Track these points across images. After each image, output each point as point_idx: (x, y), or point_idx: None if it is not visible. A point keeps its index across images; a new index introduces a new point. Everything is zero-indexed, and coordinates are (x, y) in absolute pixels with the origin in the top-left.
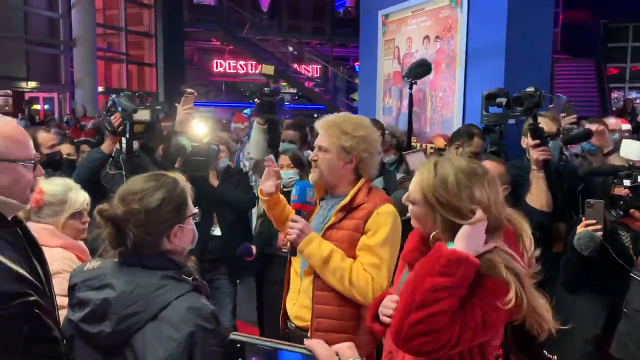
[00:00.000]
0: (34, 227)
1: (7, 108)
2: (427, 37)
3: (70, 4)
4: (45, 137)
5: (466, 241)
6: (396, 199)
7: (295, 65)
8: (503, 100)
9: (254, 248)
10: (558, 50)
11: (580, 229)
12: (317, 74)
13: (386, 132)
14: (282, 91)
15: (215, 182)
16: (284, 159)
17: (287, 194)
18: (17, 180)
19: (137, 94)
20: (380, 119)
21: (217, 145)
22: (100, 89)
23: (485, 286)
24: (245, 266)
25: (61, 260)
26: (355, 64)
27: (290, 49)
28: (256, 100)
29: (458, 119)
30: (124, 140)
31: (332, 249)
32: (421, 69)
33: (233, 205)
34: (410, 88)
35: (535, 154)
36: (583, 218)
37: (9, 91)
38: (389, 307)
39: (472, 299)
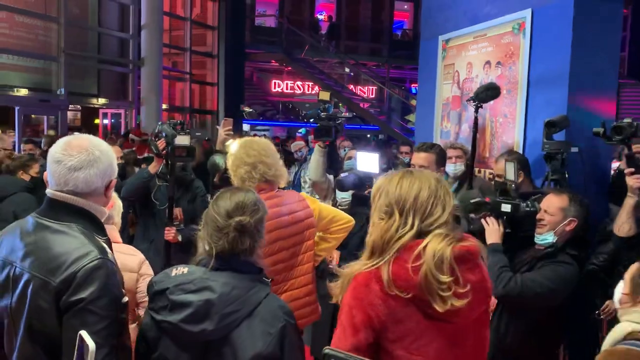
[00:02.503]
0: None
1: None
2: (488, 62)
3: (140, 26)
4: (115, 150)
5: None
6: (462, 200)
7: (351, 87)
8: (600, 130)
9: None
10: (625, 75)
11: None
12: (372, 95)
13: (459, 149)
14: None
15: None
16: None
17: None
18: (112, 191)
19: (179, 122)
20: (437, 142)
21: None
22: (164, 106)
23: None
24: None
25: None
26: (412, 85)
27: (347, 70)
28: (312, 121)
29: (519, 145)
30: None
31: None
32: (490, 92)
33: None
34: (476, 112)
35: (630, 181)
36: None
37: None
38: None
39: None
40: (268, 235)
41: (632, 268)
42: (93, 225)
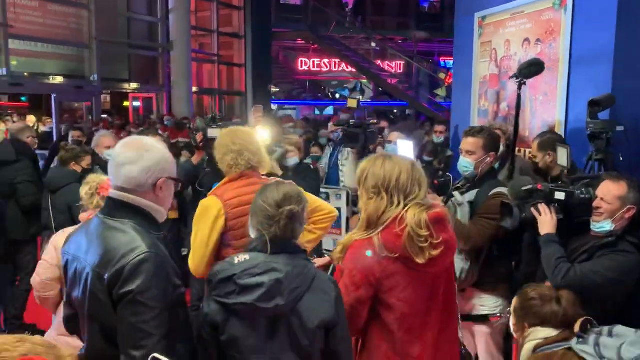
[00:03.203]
0: None
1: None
2: (527, 39)
3: (168, 9)
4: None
5: None
6: (513, 187)
7: (379, 62)
8: None
9: None
10: None
11: None
12: (400, 70)
13: (497, 129)
14: (368, 122)
15: (279, 173)
16: None
17: None
18: (170, 193)
19: (212, 116)
20: (475, 121)
21: (280, 145)
22: (194, 89)
23: None
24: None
25: None
26: (440, 58)
27: (373, 45)
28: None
29: (560, 124)
30: None
31: None
32: (534, 68)
33: None
34: (519, 88)
35: None
36: None
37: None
38: None
39: None
40: (243, 218)
41: (514, 302)
42: (147, 221)
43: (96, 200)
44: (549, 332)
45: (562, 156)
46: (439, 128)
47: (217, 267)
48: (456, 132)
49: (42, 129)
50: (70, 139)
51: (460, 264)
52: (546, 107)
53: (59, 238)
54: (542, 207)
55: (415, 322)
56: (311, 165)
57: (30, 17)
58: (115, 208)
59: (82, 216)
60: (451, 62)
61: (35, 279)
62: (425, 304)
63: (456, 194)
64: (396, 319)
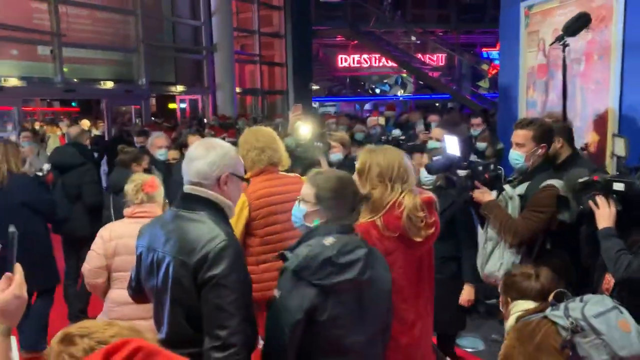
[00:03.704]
0: None
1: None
2: None
3: (211, 12)
4: (193, 139)
5: None
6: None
7: (419, 55)
8: None
9: None
10: None
11: None
12: (442, 62)
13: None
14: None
15: (324, 167)
16: (423, 158)
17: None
18: (237, 189)
19: (253, 117)
20: (523, 112)
21: (321, 142)
22: (237, 89)
23: None
24: None
25: None
26: (483, 50)
27: (413, 38)
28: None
29: (614, 113)
30: None
31: None
32: (580, 22)
33: None
34: (564, 50)
35: None
36: None
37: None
38: None
39: None
40: (264, 209)
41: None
42: (219, 213)
43: (141, 196)
44: (529, 305)
45: (620, 146)
46: (475, 121)
47: (310, 252)
48: (504, 124)
49: (95, 132)
50: (136, 143)
51: (511, 257)
52: (598, 96)
53: (104, 231)
54: (600, 199)
55: (410, 292)
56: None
57: (81, 26)
58: (190, 201)
59: (127, 211)
60: (494, 53)
61: (85, 267)
62: (416, 276)
63: (507, 187)
64: (395, 290)
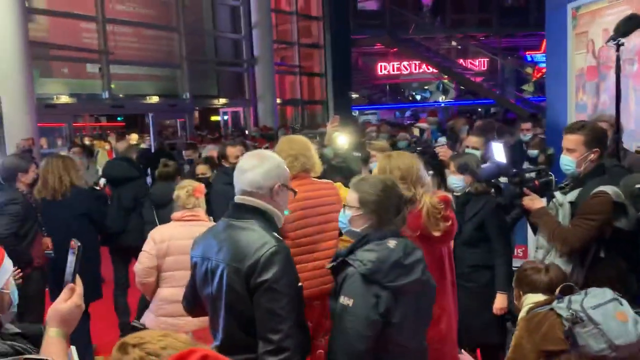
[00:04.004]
0: None
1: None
2: None
3: (251, 25)
4: (237, 150)
5: None
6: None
7: (461, 61)
8: None
9: None
10: None
11: None
12: (484, 67)
13: (605, 122)
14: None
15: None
16: (453, 164)
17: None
18: (285, 200)
19: (292, 127)
20: (572, 116)
21: (360, 152)
22: (278, 100)
23: None
24: None
25: None
26: (526, 53)
27: (454, 43)
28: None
29: None
30: None
31: None
32: (632, 22)
33: None
34: (618, 50)
35: None
36: None
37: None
38: None
39: None
40: (296, 213)
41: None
42: (269, 222)
43: (193, 200)
44: (539, 297)
45: None
46: (525, 125)
47: (378, 257)
48: (553, 128)
49: (143, 145)
50: (185, 157)
51: (562, 266)
52: None
53: (155, 233)
54: None
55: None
56: None
57: (127, 43)
58: (241, 211)
59: (176, 215)
60: (538, 56)
61: (137, 267)
62: (438, 274)
63: (558, 194)
64: None
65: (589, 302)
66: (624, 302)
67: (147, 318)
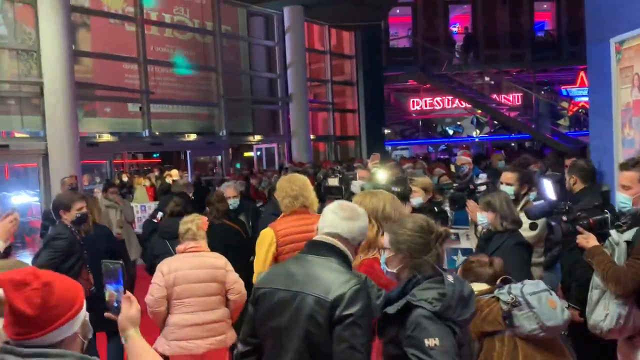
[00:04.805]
0: None
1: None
2: None
3: (286, 65)
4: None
5: None
6: None
7: (494, 96)
8: None
9: None
10: None
11: None
12: (518, 102)
13: None
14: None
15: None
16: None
17: None
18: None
19: (331, 168)
20: (619, 152)
21: (398, 187)
22: (311, 136)
23: None
24: None
25: None
26: (561, 87)
27: (487, 79)
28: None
29: None
30: None
31: None
32: None
33: None
34: None
35: None
36: None
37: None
38: None
39: None
40: (289, 246)
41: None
42: (346, 263)
43: (201, 233)
44: (482, 287)
45: None
46: (569, 162)
47: (438, 293)
48: (599, 164)
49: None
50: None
51: (617, 308)
52: None
53: (162, 266)
54: None
55: None
56: (435, 208)
57: (167, 83)
58: (319, 248)
59: (179, 247)
60: (573, 90)
61: (149, 298)
62: None
63: (614, 232)
64: None
65: (527, 289)
66: (553, 292)
67: (159, 343)
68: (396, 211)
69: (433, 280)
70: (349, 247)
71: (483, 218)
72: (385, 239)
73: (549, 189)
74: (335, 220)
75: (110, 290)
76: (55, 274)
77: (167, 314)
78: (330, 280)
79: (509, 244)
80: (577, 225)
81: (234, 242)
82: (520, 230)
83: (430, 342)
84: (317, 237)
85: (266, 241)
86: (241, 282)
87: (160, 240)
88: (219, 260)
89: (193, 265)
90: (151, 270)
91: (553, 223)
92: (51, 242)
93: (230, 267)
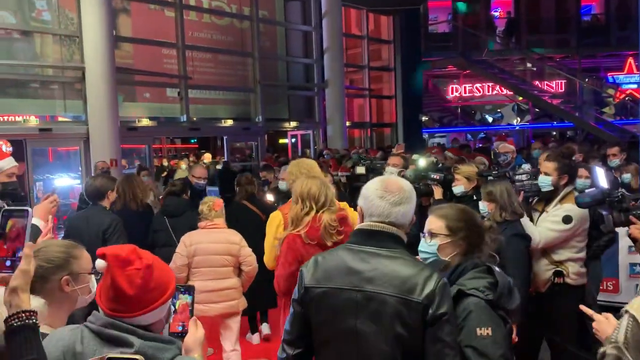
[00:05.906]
0: None
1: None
2: None
3: (323, 50)
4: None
5: None
6: None
7: (537, 82)
8: None
9: None
10: None
11: None
12: (561, 89)
13: None
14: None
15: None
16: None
17: None
18: None
19: (359, 156)
20: None
21: (437, 173)
22: (347, 123)
23: None
24: None
25: None
26: (608, 74)
27: (529, 65)
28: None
29: None
30: None
31: None
32: None
33: None
34: None
35: None
36: None
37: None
38: None
39: None
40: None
41: None
42: (410, 252)
43: (213, 213)
44: None
45: None
46: (613, 150)
47: (489, 282)
48: None
49: (218, 166)
50: (261, 177)
51: None
52: None
53: (185, 238)
54: None
55: None
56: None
57: (205, 69)
58: (382, 240)
59: (201, 224)
60: (620, 77)
61: (172, 265)
62: None
63: None
64: None
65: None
66: None
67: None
68: (322, 193)
69: (479, 270)
70: (403, 230)
71: (484, 208)
72: (436, 225)
73: (601, 176)
74: (387, 207)
75: (185, 300)
76: (154, 257)
77: (187, 280)
78: (411, 276)
79: (506, 235)
80: (631, 215)
81: (254, 222)
82: (552, 224)
83: (482, 331)
84: (372, 226)
85: (274, 223)
86: (254, 256)
87: (159, 216)
88: (235, 236)
89: (211, 239)
90: (152, 244)
91: (604, 212)
92: (117, 229)
93: (244, 242)
